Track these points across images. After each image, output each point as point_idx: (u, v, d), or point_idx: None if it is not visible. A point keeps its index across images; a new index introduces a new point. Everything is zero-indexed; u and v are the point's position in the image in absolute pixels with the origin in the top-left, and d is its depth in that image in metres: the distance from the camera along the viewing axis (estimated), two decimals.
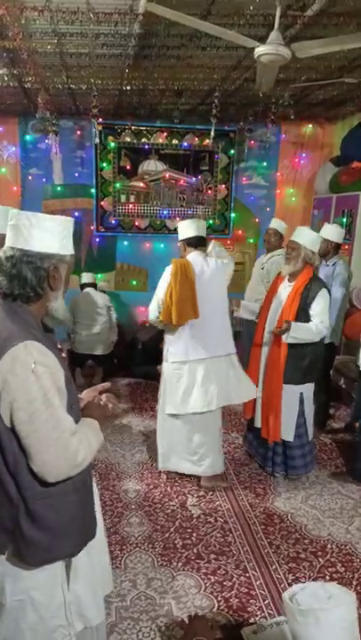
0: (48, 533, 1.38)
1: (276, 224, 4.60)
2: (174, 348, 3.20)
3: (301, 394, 3.23)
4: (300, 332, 3.04)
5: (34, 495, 1.35)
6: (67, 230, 1.44)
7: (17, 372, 1.27)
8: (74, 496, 1.43)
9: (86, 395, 1.62)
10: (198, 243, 3.28)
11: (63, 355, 1.43)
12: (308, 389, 3.26)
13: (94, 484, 1.63)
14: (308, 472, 3.39)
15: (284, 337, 3.07)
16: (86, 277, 5.37)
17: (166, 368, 3.28)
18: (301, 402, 3.23)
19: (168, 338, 3.25)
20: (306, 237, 3.15)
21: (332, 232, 4.00)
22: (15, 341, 1.28)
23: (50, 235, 1.39)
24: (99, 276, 6.26)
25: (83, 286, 5.29)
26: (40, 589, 1.43)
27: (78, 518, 1.46)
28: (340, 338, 4.09)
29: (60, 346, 1.41)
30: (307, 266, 3.17)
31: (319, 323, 3.08)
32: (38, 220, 1.38)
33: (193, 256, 3.23)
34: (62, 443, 1.32)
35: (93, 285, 5.32)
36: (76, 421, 1.42)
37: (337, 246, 4.02)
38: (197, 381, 3.15)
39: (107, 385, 1.72)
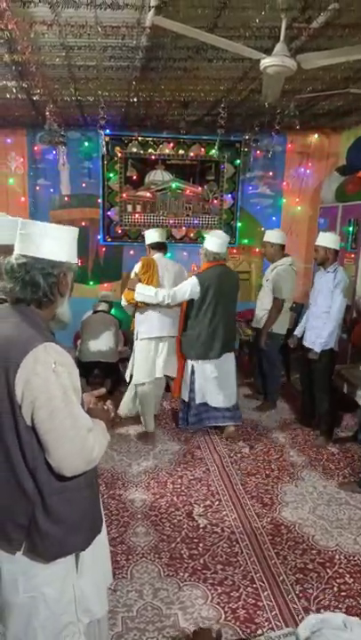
0: (62, 527, 1.44)
1: (268, 236, 4.62)
2: (143, 328, 4.02)
3: (192, 365, 4.01)
4: (142, 290, 3.83)
5: (50, 490, 1.41)
6: (74, 239, 1.52)
7: (38, 372, 1.32)
8: (86, 491, 1.50)
9: (84, 398, 1.67)
10: (160, 246, 4.12)
11: None
12: (197, 365, 4.00)
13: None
14: (201, 427, 4.21)
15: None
16: (101, 306, 5.49)
17: (138, 345, 4.07)
18: (193, 372, 4.02)
19: (138, 319, 4.05)
20: (207, 240, 3.93)
21: (328, 239, 4.01)
22: (36, 343, 1.35)
23: (59, 243, 1.46)
24: (105, 285, 6.32)
25: (96, 312, 5.45)
26: (52, 585, 1.48)
27: (89, 513, 1.53)
28: (337, 344, 4.06)
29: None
30: (206, 262, 3.94)
31: (164, 291, 3.81)
32: (49, 230, 1.45)
33: (157, 257, 4.08)
34: (80, 439, 1.38)
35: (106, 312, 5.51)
36: None
37: (335, 253, 4.01)
38: (161, 353, 4.04)
39: (102, 390, 1.80)
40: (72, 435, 1.36)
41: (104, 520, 1.69)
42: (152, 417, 4.16)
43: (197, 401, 4.08)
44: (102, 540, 1.69)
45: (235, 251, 6.47)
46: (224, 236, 3.98)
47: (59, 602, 1.49)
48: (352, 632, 1.34)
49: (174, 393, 4.24)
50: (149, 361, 4.01)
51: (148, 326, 3.99)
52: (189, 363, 4.03)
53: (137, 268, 4.02)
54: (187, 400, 4.10)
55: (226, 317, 3.96)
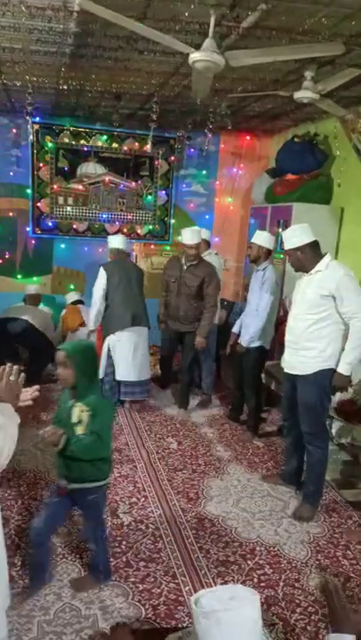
0: None
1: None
2: None
3: (109, 342, 4.54)
4: (91, 317, 4.70)
5: None
6: None
7: None
8: None
9: None
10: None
11: None
12: (113, 338, 4.52)
13: None
14: (113, 400, 4.61)
15: None
16: (32, 289, 5.77)
17: None
18: (109, 349, 4.53)
19: None
20: (110, 239, 4.79)
21: (262, 238, 4.10)
22: None
23: None
24: (34, 279, 6.11)
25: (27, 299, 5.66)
26: None
27: None
28: (270, 342, 4.18)
29: None
30: (111, 256, 4.73)
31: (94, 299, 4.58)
32: None
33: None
34: None
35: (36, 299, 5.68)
36: None
37: (268, 252, 4.11)
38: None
39: (15, 368, 1.59)
40: None
41: (1, 537, 1.59)
42: None
43: (118, 377, 4.54)
44: None
45: (168, 248, 6.47)
46: (123, 237, 4.84)
47: None
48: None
49: None
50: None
51: None
52: (107, 341, 4.53)
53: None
54: (102, 376, 4.50)
55: (132, 297, 4.52)
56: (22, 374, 1.57)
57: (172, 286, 4.54)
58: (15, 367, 1.55)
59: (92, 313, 4.55)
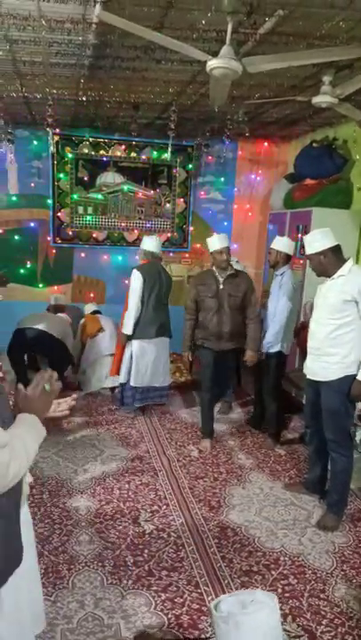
0: None
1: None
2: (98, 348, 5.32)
3: (133, 347, 4.54)
4: (126, 323, 4.60)
5: None
6: None
7: None
8: None
9: (31, 390, 1.43)
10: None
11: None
12: (137, 345, 4.52)
13: (26, 511, 1.54)
14: (133, 408, 4.73)
15: None
16: (55, 299, 5.74)
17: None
18: (132, 355, 4.55)
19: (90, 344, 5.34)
20: (144, 242, 4.64)
21: (280, 243, 4.07)
22: None
23: None
24: (55, 288, 6.18)
25: (51, 308, 5.59)
26: None
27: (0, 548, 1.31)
28: (289, 347, 4.13)
29: None
30: (144, 259, 4.66)
31: (130, 304, 4.50)
32: None
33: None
34: None
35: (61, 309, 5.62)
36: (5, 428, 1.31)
37: (287, 257, 4.08)
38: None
39: (54, 375, 1.50)
40: None
41: (34, 555, 1.55)
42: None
43: (132, 383, 4.57)
44: (31, 577, 1.52)
45: (187, 255, 6.49)
46: (157, 239, 4.70)
47: None
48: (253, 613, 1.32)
49: (111, 373, 4.94)
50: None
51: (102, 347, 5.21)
52: (131, 345, 4.55)
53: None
54: (124, 381, 4.63)
55: (160, 307, 4.54)
56: (59, 383, 1.47)
57: (208, 303, 3.97)
58: (55, 374, 1.45)
59: (130, 319, 4.44)
